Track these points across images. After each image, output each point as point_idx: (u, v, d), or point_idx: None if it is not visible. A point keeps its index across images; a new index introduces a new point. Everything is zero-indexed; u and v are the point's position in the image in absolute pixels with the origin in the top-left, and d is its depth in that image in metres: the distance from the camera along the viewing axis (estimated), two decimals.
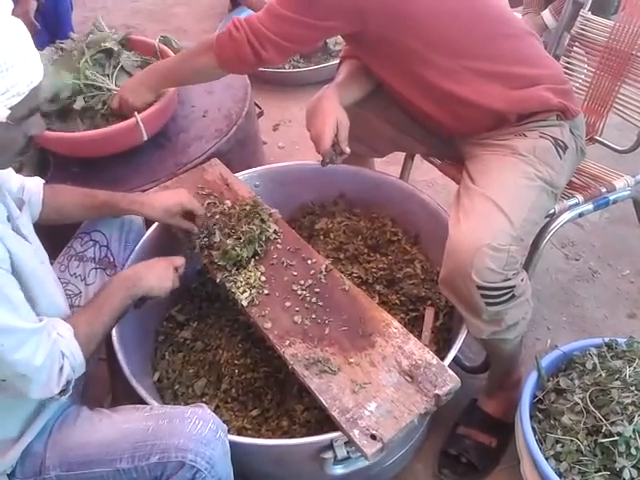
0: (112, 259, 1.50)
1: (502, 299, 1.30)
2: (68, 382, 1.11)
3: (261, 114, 2.37)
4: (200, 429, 1.11)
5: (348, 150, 1.52)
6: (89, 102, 1.83)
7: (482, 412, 1.61)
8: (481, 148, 1.48)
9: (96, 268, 1.47)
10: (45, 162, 1.89)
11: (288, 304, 1.39)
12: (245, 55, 1.44)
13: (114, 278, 1.28)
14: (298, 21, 1.38)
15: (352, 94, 1.59)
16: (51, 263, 1.45)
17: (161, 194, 1.57)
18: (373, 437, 1.13)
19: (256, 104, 2.32)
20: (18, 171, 1.83)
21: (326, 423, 1.25)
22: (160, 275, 1.31)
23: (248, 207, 1.56)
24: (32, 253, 1.15)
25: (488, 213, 1.31)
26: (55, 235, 1.47)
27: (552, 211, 1.53)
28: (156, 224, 1.62)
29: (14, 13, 2.58)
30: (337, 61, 3.06)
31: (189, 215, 1.51)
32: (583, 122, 1.57)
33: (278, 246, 1.52)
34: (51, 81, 1.80)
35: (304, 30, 1.40)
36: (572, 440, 1.33)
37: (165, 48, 2.02)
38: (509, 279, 1.29)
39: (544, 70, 1.49)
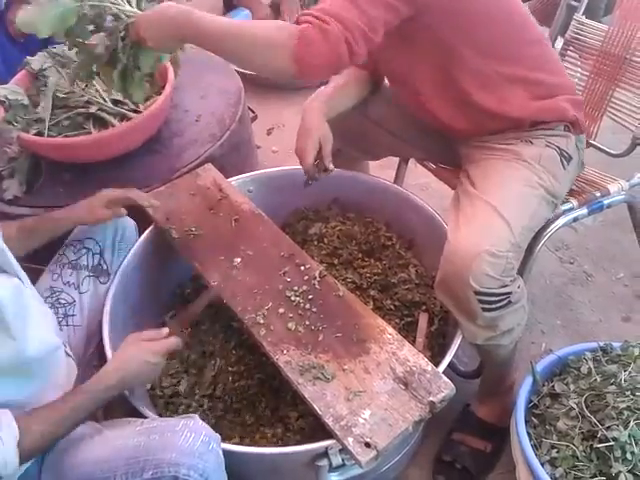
0: (105, 267, 1.49)
1: (498, 305, 1.29)
2: None
3: (255, 118, 2.36)
4: (192, 442, 1.09)
5: (332, 167, 1.50)
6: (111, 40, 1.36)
7: (475, 417, 1.61)
8: (483, 151, 1.47)
9: (90, 276, 1.46)
10: (37, 168, 1.88)
11: (282, 310, 1.38)
12: (341, 55, 1.18)
13: (94, 384, 1.16)
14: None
15: (340, 105, 1.57)
16: (42, 271, 1.44)
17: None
18: (367, 445, 1.12)
19: (250, 108, 2.31)
20: (9, 178, 1.84)
21: (320, 430, 1.24)
22: (149, 375, 1.23)
23: None
24: (11, 288, 1.12)
25: (489, 219, 1.31)
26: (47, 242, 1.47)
27: None
28: (149, 229, 1.61)
29: (7, 18, 2.57)
30: None
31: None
32: (584, 136, 1.57)
33: (271, 252, 1.51)
34: (47, 10, 1.31)
35: (384, 12, 1.20)
36: (568, 445, 1.32)
37: None
38: (506, 285, 1.29)
39: (562, 79, 1.49)
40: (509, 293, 1.30)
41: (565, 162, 1.45)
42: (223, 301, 1.42)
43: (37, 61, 1.95)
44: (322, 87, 1.70)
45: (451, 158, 1.62)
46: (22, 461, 1.05)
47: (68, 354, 1.33)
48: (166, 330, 1.28)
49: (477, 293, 1.26)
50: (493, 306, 1.29)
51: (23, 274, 1.22)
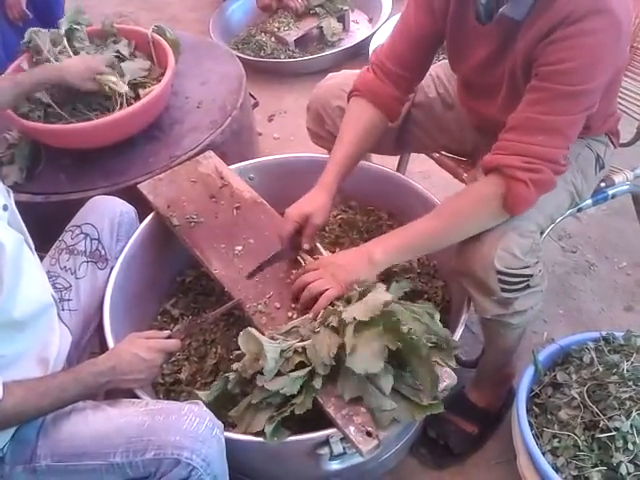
0: (103, 252, 1.48)
1: (517, 287, 1.28)
2: None
3: (256, 105, 2.34)
4: (196, 426, 1.10)
5: (306, 247, 1.42)
6: None
7: (467, 400, 1.62)
8: None
9: (87, 261, 1.45)
10: (36, 154, 1.87)
11: (283, 298, 1.37)
12: (553, 186, 1.23)
13: (85, 367, 1.18)
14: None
15: (353, 166, 1.48)
16: (43, 257, 1.44)
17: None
18: (369, 434, 1.12)
19: (251, 95, 2.30)
20: (9, 164, 1.83)
21: (322, 419, 1.24)
22: (141, 369, 1.21)
23: None
24: (15, 241, 1.11)
25: None
26: (48, 229, 1.46)
27: None
28: (150, 217, 1.60)
29: (6, 2, 2.54)
30: (333, 51, 3.05)
31: None
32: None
33: (273, 240, 1.50)
34: None
35: (580, 126, 1.22)
36: (569, 435, 1.32)
37: (159, 38, 2.00)
38: (528, 267, 1.28)
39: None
40: (530, 275, 1.29)
41: (598, 168, 1.47)
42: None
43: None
44: (329, 74, 1.68)
45: (471, 149, 1.61)
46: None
47: (62, 321, 1.31)
48: (166, 332, 1.31)
49: (499, 272, 1.25)
50: (511, 287, 1.28)
51: (30, 239, 1.22)
